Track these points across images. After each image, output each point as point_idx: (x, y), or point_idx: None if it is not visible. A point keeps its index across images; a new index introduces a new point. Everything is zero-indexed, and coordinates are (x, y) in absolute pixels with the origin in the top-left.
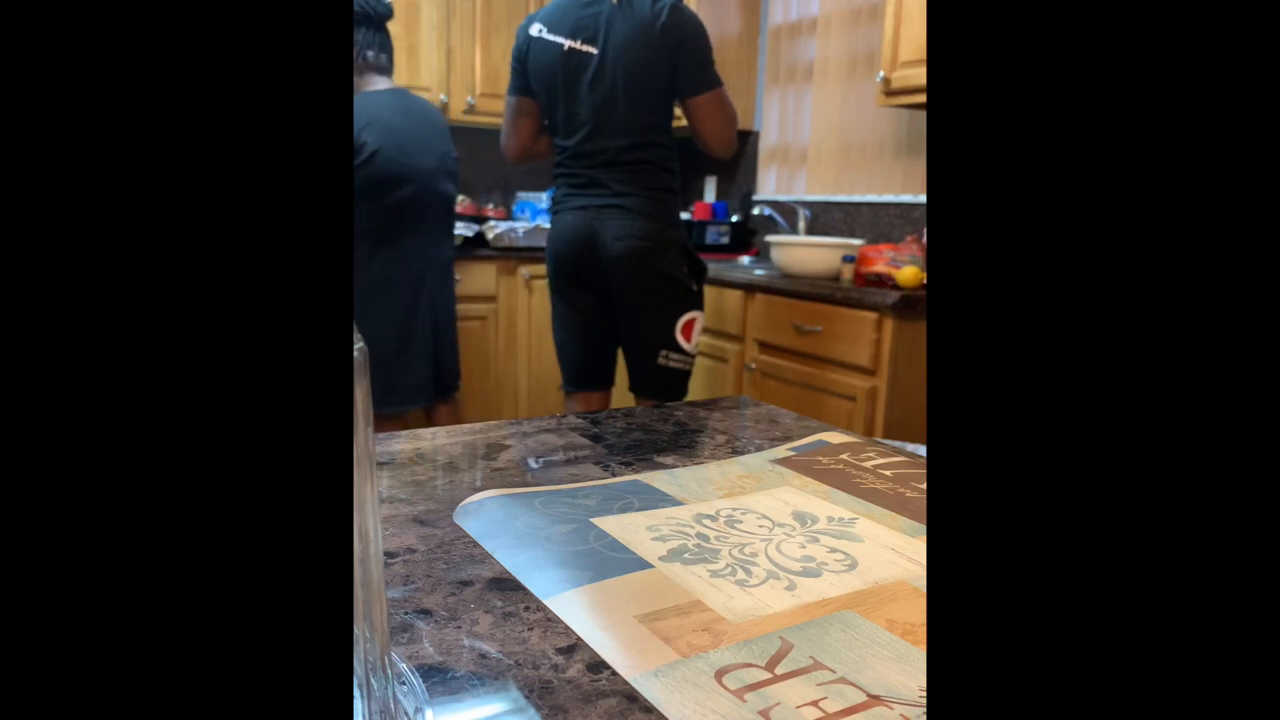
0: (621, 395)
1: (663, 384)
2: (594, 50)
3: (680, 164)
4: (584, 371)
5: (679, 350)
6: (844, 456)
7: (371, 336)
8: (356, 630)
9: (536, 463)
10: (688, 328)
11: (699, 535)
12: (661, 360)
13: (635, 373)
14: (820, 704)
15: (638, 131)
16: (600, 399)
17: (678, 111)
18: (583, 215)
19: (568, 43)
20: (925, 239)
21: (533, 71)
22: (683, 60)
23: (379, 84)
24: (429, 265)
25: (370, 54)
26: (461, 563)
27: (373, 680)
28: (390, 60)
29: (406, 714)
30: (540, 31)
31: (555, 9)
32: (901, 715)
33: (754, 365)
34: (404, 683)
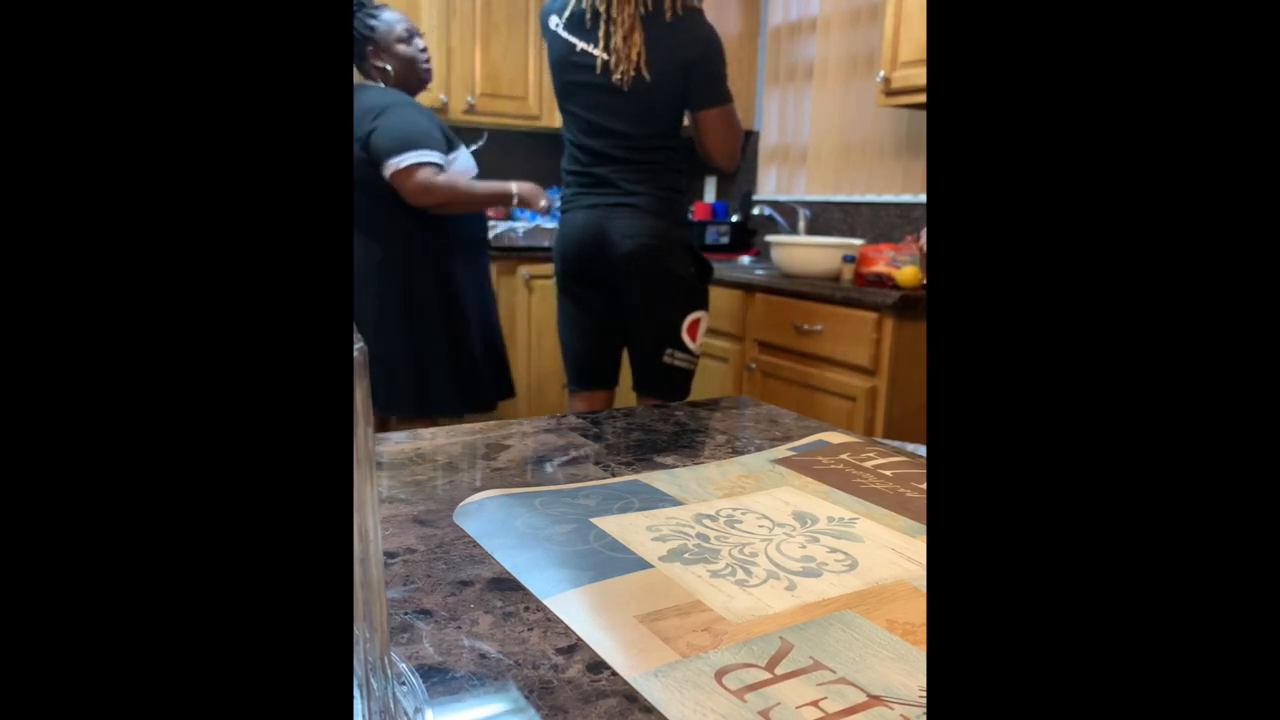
0: (624, 396)
1: (667, 383)
2: (607, 55)
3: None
4: (589, 370)
5: (684, 349)
6: (844, 456)
7: None
8: (356, 630)
9: (536, 463)
10: (693, 327)
11: (699, 535)
12: (667, 359)
13: (640, 371)
14: (820, 704)
15: (648, 135)
16: (605, 398)
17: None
18: (592, 214)
19: (579, 44)
20: (924, 239)
21: (550, 64)
22: (697, 73)
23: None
24: None
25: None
26: (461, 563)
27: (373, 680)
28: (357, 56)
29: (406, 714)
30: (557, 26)
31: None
32: (901, 715)
33: (754, 365)
34: (404, 683)
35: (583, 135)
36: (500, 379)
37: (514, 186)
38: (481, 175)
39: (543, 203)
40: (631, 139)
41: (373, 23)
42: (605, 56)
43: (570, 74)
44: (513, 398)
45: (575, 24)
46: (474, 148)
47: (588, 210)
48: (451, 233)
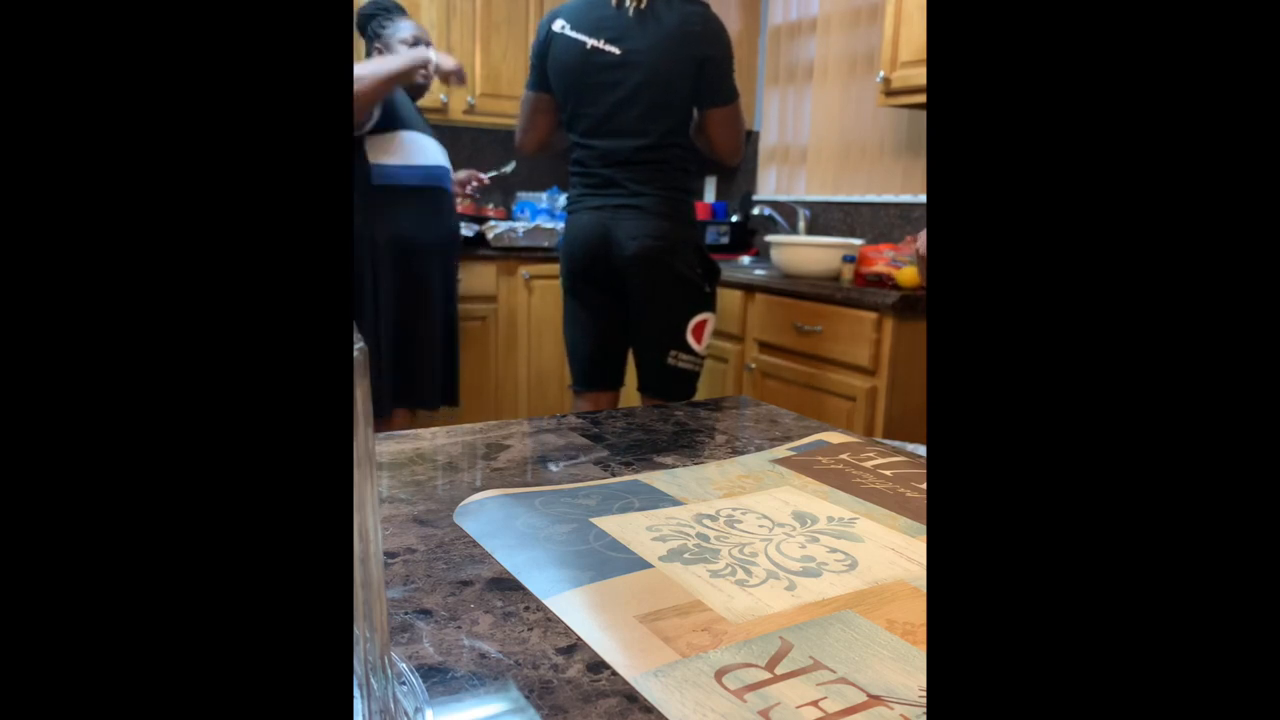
0: (629, 397)
1: (671, 384)
2: (616, 50)
3: (696, 165)
4: (595, 371)
5: (688, 351)
6: (844, 456)
7: None
8: (356, 630)
9: (536, 463)
10: (699, 329)
11: (699, 535)
12: (670, 360)
13: (644, 372)
14: (820, 704)
15: (656, 134)
16: (609, 399)
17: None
18: (598, 215)
19: (590, 41)
20: (921, 242)
21: (552, 68)
22: (707, 71)
23: None
24: None
25: None
26: (461, 563)
27: (373, 680)
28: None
29: (406, 714)
30: (563, 28)
31: (579, 6)
32: (901, 715)
33: (754, 365)
34: (404, 683)
35: (591, 135)
36: (448, 384)
37: (425, 53)
38: (486, 168)
39: (449, 64)
40: (641, 136)
41: (386, 24)
42: (617, 51)
43: (584, 74)
44: (455, 406)
45: (583, 23)
46: (504, 170)
47: (593, 212)
48: (420, 228)
